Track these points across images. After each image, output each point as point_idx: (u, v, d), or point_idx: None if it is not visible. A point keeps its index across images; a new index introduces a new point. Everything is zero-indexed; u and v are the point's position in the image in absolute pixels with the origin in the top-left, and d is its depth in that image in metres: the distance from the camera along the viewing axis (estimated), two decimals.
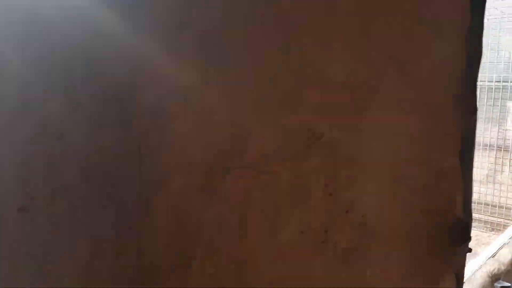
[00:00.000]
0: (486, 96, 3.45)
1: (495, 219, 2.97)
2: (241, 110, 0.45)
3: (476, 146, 3.47)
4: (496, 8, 4.64)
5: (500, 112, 3.42)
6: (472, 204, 2.61)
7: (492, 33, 4.82)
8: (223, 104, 0.46)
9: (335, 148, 0.58)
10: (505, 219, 2.76)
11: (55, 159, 0.36)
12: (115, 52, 0.38)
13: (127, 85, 0.38)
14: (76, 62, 0.37)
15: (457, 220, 0.82)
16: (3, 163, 0.35)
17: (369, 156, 0.66)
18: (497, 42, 4.82)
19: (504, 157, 3.23)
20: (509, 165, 3.15)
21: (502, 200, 3.06)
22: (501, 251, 1.58)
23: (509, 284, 1.43)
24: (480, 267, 1.45)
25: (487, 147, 3.20)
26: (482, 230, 3.01)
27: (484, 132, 3.40)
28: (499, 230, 2.39)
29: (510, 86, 3.36)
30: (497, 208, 3.04)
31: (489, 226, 2.98)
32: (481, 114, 3.61)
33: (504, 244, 1.66)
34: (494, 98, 3.44)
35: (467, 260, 1.51)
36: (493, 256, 1.54)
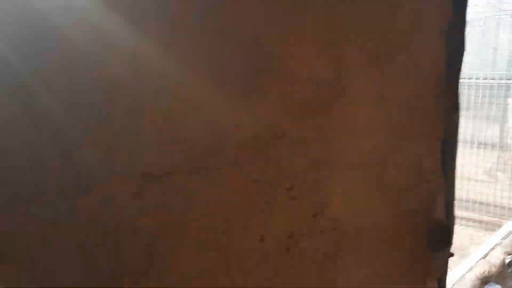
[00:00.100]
0: (487, 94, 3.41)
1: (490, 218, 2.94)
2: (185, 107, 0.42)
3: (475, 145, 3.45)
4: (494, 6, 4.60)
5: (500, 110, 3.38)
6: (468, 203, 2.58)
7: (491, 31, 4.78)
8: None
9: (299, 148, 0.55)
10: (500, 218, 2.72)
11: None
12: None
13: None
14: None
15: (438, 223, 0.79)
16: None
17: (341, 156, 0.62)
18: (496, 40, 4.78)
19: (500, 156, 3.19)
20: (504, 164, 3.11)
21: (498, 199, 3.02)
22: (492, 252, 1.55)
23: (500, 287, 1.40)
24: (470, 269, 1.42)
25: (482, 145, 3.16)
26: (476, 230, 2.97)
27: (483, 131, 3.36)
28: (494, 230, 2.35)
29: (509, 84, 3.31)
30: (492, 207, 3.00)
31: (484, 225, 2.94)
32: (480, 113, 3.56)
33: (496, 244, 1.63)
34: (493, 96, 3.39)
35: (457, 261, 1.47)
36: (484, 257, 1.51)
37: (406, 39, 0.70)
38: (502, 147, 3.24)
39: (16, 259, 0.34)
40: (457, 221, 3.29)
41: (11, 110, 0.30)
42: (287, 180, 0.54)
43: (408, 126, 0.73)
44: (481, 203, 3.03)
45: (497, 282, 1.42)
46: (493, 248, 1.57)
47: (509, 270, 1.46)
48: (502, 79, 3.36)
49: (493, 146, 3.26)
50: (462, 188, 3.13)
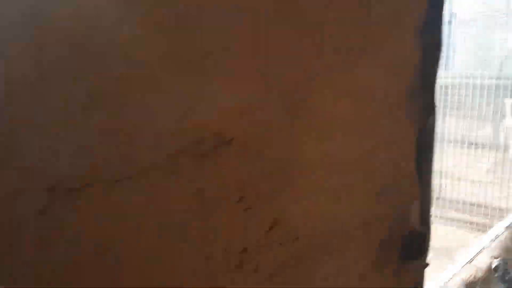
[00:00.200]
0: (478, 93, 3.38)
1: (482, 219, 2.90)
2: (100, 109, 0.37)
3: (466, 145, 3.42)
4: (488, 5, 4.57)
5: (493, 110, 3.35)
6: (460, 204, 2.54)
7: (483, 31, 4.75)
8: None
9: (253, 153, 0.50)
10: (492, 219, 2.69)
11: None
12: None
13: None
14: None
15: (412, 231, 0.75)
16: None
17: (304, 160, 0.58)
18: (490, 39, 4.75)
19: (493, 156, 3.16)
20: (496, 164, 3.08)
21: (490, 200, 2.99)
22: (478, 256, 1.51)
23: None
24: (455, 274, 1.38)
25: (473, 146, 3.13)
26: (465, 231, 2.94)
27: (476, 131, 3.33)
28: (486, 231, 2.32)
29: (503, 83, 3.28)
30: (483, 208, 2.97)
31: (475, 227, 2.91)
32: (473, 112, 3.53)
33: (484, 248, 1.59)
34: (486, 96, 3.36)
35: (443, 265, 1.43)
36: (470, 261, 1.47)
37: (379, 36, 0.66)
38: (495, 147, 3.20)
39: None
40: (448, 222, 3.28)
41: None
42: (238, 189, 0.50)
43: (380, 128, 0.69)
44: (472, 204, 3.00)
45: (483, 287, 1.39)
46: (480, 252, 1.53)
47: (496, 275, 1.42)
48: (495, 78, 3.32)
49: (484, 146, 3.23)
50: (454, 189, 3.10)
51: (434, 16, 0.74)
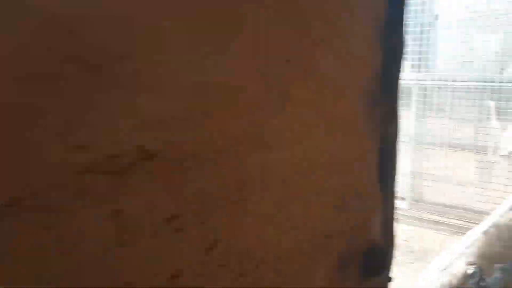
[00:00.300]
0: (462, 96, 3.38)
1: (463, 222, 2.89)
2: None
3: (447, 147, 3.42)
4: (468, 8, 4.60)
5: (475, 113, 3.35)
6: (438, 207, 2.51)
7: (465, 32, 4.78)
8: None
9: (183, 170, 0.45)
10: (472, 222, 2.68)
11: None
12: None
13: None
14: None
15: (374, 246, 0.70)
16: None
17: (249, 172, 0.53)
18: (471, 42, 4.78)
19: (475, 159, 3.16)
20: (476, 167, 3.08)
21: (470, 202, 2.98)
22: (453, 263, 1.48)
23: None
24: (429, 282, 1.35)
25: (454, 148, 3.12)
26: (444, 234, 2.92)
27: (458, 133, 3.33)
28: (465, 234, 2.30)
29: (485, 86, 3.29)
30: (462, 211, 2.96)
31: (455, 229, 2.90)
32: (456, 115, 3.53)
33: (460, 254, 1.57)
34: (470, 98, 3.37)
35: (421, 268, 1.38)
36: (445, 268, 1.44)
37: (333, 39, 0.61)
38: (477, 149, 3.20)
39: None
40: (428, 225, 3.27)
41: None
42: (169, 208, 0.44)
43: (338, 137, 0.64)
44: (452, 207, 2.99)
45: None
46: (455, 258, 1.50)
47: (471, 282, 1.39)
48: (478, 81, 3.33)
49: (466, 148, 3.22)
50: (434, 191, 3.09)
51: (395, 18, 0.70)
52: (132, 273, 0.42)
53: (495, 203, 2.60)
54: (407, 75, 3.49)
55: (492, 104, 3.46)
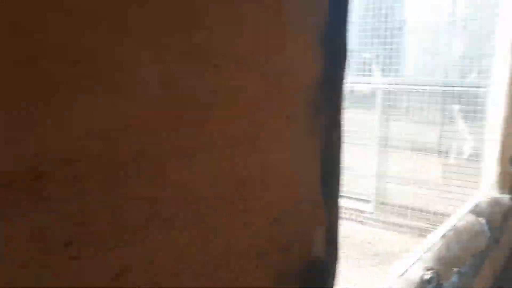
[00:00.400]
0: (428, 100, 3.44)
1: (425, 225, 2.93)
2: None
3: (414, 150, 3.47)
4: (433, 13, 4.70)
5: (438, 117, 3.41)
6: (402, 209, 2.52)
7: (431, 37, 4.88)
8: None
9: (78, 189, 0.40)
10: (435, 224, 2.71)
11: None
12: None
13: None
14: None
15: (314, 261, 0.67)
16: None
17: (168, 193, 0.49)
18: (436, 46, 4.89)
19: (437, 161, 3.22)
20: (437, 169, 3.13)
21: (433, 205, 3.03)
22: (411, 268, 1.48)
23: None
24: None
25: (416, 151, 3.16)
26: (408, 236, 2.96)
27: (421, 136, 3.38)
28: (424, 236, 2.32)
29: (449, 90, 3.35)
30: (425, 213, 3.00)
31: (418, 232, 2.94)
32: (419, 118, 3.59)
33: (418, 258, 1.57)
34: (434, 102, 3.42)
35: (384, 271, 1.36)
36: (402, 274, 1.44)
37: (269, 42, 0.58)
38: (441, 152, 3.26)
39: None
40: (392, 227, 3.31)
41: None
42: (63, 233, 0.39)
43: (275, 144, 0.61)
44: (414, 209, 3.03)
45: None
46: (413, 263, 1.50)
47: (428, 287, 1.39)
48: (442, 85, 3.39)
49: (430, 151, 3.27)
50: (399, 194, 3.12)
51: (337, 21, 0.68)
52: None
53: (457, 206, 2.64)
54: (374, 79, 3.52)
55: (456, 108, 3.53)
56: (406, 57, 5.35)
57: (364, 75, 3.65)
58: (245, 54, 0.54)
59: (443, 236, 1.77)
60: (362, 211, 3.20)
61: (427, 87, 3.38)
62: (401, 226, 3.03)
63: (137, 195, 0.45)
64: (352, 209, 3.23)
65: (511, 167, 2.48)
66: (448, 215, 2.69)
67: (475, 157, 2.98)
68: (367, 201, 3.20)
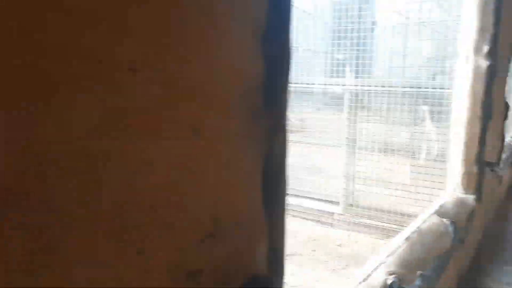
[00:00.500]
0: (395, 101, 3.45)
1: (394, 226, 2.94)
2: None
3: (384, 150, 3.48)
4: (401, 13, 4.76)
5: (408, 118, 3.43)
6: (371, 210, 2.49)
7: (401, 39, 4.94)
8: None
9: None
10: (402, 225, 2.72)
11: None
12: None
13: None
14: None
15: (255, 278, 0.62)
16: None
17: (66, 220, 0.43)
18: (404, 47, 4.95)
19: (406, 162, 3.24)
20: (407, 169, 3.15)
21: (401, 206, 3.04)
22: (374, 272, 1.45)
23: None
24: None
25: (389, 151, 3.17)
26: (378, 237, 2.96)
27: (391, 137, 3.39)
28: (393, 237, 2.32)
29: (420, 91, 3.37)
30: (392, 214, 3.01)
31: (385, 233, 2.94)
32: (392, 120, 3.60)
33: (381, 263, 1.54)
34: (404, 103, 3.44)
35: (350, 276, 1.32)
36: (364, 279, 1.41)
37: (202, 43, 0.52)
38: (410, 153, 3.28)
39: None
40: (361, 229, 3.31)
41: None
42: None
43: (207, 155, 0.55)
44: (383, 210, 3.03)
45: None
46: (375, 268, 1.47)
47: None
48: (411, 87, 3.41)
49: (400, 151, 3.29)
50: (367, 195, 3.13)
51: (278, 23, 0.63)
52: None
53: (426, 207, 2.66)
54: (346, 81, 3.52)
55: (425, 109, 3.57)
56: (377, 58, 5.40)
57: (336, 77, 3.65)
58: (169, 54, 0.49)
59: (407, 238, 1.76)
60: (331, 213, 3.19)
61: (397, 89, 3.40)
62: (370, 227, 3.03)
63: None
64: (321, 211, 3.21)
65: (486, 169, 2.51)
66: (417, 216, 2.70)
67: (443, 157, 3.02)
68: (337, 203, 3.19)
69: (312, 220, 3.23)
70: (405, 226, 2.46)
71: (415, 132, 3.35)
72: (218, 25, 0.54)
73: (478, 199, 2.53)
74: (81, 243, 0.42)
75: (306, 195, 3.32)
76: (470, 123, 2.39)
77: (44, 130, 0.37)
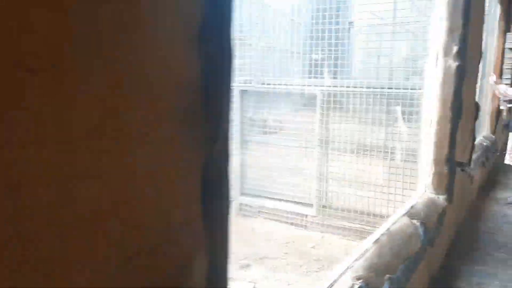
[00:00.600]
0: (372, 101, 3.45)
1: (368, 227, 2.93)
2: None
3: (357, 152, 3.47)
4: (374, 14, 4.77)
5: (384, 117, 3.42)
6: (344, 212, 2.45)
7: (370, 39, 4.96)
8: None
9: None
10: (375, 227, 2.71)
11: None
12: None
13: None
14: None
15: None
16: None
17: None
18: (379, 48, 4.97)
19: (380, 163, 3.23)
20: (380, 170, 3.14)
21: (373, 207, 3.03)
22: (340, 278, 1.42)
23: None
24: None
25: (363, 151, 3.16)
26: (351, 239, 2.95)
27: (364, 138, 3.38)
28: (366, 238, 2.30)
29: (395, 92, 3.37)
30: (365, 216, 3.00)
31: (359, 234, 2.93)
32: (366, 120, 3.60)
33: (348, 268, 1.51)
34: (380, 105, 3.44)
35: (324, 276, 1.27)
36: (330, 285, 1.37)
37: (131, 44, 0.47)
38: (385, 154, 3.27)
39: None
40: (335, 230, 3.28)
41: None
42: None
43: (136, 164, 0.50)
44: (356, 212, 3.02)
45: None
46: (342, 273, 1.44)
47: None
48: (386, 87, 3.41)
49: (372, 152, 3.29)
50: (341, 196, 3.10)
51: (216, 20, 0.58)
52: None
53: (399, 207, 2.65)
54: (323, 81, 3.50)
55: (398, 109, 3.58)
56: (354, 59, 5.41)
57: (314, 77, 3.63)
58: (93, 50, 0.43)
59: (376, 241, 1.74)
60: (305, 215, 3.16)
61: (372, 89, 3.40)
62: (344, 229, 3.01)
63: None
64: (295, 213, 3.18)
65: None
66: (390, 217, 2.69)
67: (416, 158, 3.02)
68: (310, 205, 3.17)
69: (286, 222, 3.20)
70: (379, 227, 2.45)
71: (388, 133, 3.35)
72: (142, 23, 0.49)
73: (449, 199, 2.54)
74: None
75: (280, 198, 3.29)
76: (440, 123, 2.39)
77: None
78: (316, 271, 2.45)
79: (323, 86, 3.38)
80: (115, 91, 0.47)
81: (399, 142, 3.29)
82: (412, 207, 2.24)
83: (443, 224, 2.45)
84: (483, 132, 5.34)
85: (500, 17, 5.26)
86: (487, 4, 4.01)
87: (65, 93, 0.40)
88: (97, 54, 0.44)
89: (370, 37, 5.01)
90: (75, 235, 0.45)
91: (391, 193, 3.04)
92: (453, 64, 2.36)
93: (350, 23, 4.78)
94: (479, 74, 3.71)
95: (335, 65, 3.65)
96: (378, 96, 3.41)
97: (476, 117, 3.16)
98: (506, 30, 5.47)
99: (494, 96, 4.96)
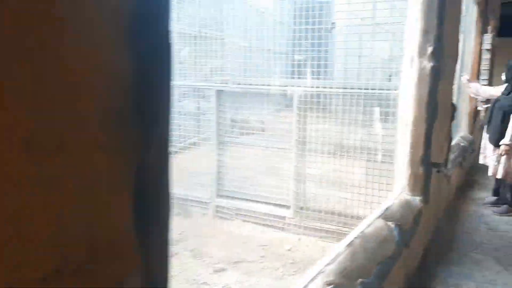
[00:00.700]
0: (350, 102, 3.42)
1: (345, 229, 2.90)
2: None
3: (335, 153, 3.44)
4: (353, 14, 4.77)
5: (364, 118, 3.40)
6: (321, 214, 2.42)
7: (353, 39, 4.95)
8: None
9: None
10: (352, 228, 2.68)
11: None
12: None
13: None
14: None
15: None
16: None
17: None
18: (359, 49, 4.97)
19: (357, 164, 3.21)
20: (359, 171, 3.13)
21: (351, 208, 3.01)
22: (311, 284, 1.38)
23: None
24: None
25: (343, 152, 3.14)
26: (329, 241, 2.92)
27: (345, 138, 3.36)
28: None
29: (376, 93, 3.36)
30: (343, 217, 2.98)
31: (336, 236, 2.90)
32: (346, 121, 3.57)
33: (319, 272, 1.47)
34: (360, 105, 3.42)
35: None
36: None
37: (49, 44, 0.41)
38: (363, 155, 3.26)
39: None
40: (314, 233, 3.25)
41: None
42: None
43: (62, 175, 0.44)
44: (333, 213, 2.99)
45: None
46: (312, 279, 1.40)
47: None
48: (367, 88, 3.39)
49: (351, 153, 3.26)
50: (318, 198, 3.07)
51: (151, 12, 0.53)
52: None
53: (376, 208, 2.63)
54: (305, 82, 3.47)
55: (377, 110, 3.57)
56: (335, 59, 5.40)
57: (297, 78, 3.59)
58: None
59: (349, 244, 1.70)
60: (282, 217, 3.12)
61: (350, 90, 3.38)
62: (321, 231, 2.98)
63: None
64: (272, 215, 3.13)
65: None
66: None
67: (393, 159, 3.01)
68: (288, 207, 3.13)
69: (263, 224, 3.15)
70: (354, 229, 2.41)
71: (366, 134, 3.34)
72: (56, 14, 0.43)
73: (425, 200, 2.53)
74: None
75: (257, 199, 3.24)
76: (415, 124, 2.38)
77: None
78: (292, 274, 2.40)
79: (300, 86, 3.35)
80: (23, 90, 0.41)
81: (377, 143, 3.28)
82: (387, 208, 2.22)
83: (419, 225, 2.44)
84: (461, 132, 5.39)
85: (477, 18, 5.32)
86: (463, 5, 4.04)
87: None
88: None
89: (350, 38, 5.00)
90: None
91: (369, 194, 3.02)
92: (428, 64, 2.35)
93: (333, 23, 4.76)
94: (456, 75, 3.73)
95: (318, 66, 3.63)
96: (356, 97, 3.39)
97: (452, 117, 3.17)
98: (483, 31, 5.54)
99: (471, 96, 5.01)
